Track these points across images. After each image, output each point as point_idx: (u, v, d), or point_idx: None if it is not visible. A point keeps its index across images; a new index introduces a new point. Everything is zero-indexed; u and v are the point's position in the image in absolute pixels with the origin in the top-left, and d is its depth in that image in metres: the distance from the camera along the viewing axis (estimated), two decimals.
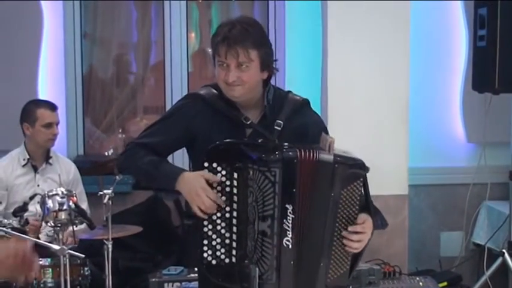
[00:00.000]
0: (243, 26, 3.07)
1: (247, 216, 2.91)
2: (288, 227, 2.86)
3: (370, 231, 3.00)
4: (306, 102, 3.28)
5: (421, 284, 5.08)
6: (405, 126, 5.52)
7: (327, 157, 2.90)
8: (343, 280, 2.99)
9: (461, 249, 6.21)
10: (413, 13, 5.56)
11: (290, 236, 2.87)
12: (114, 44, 6.64)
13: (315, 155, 2.89)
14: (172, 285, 4.99)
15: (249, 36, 3.05)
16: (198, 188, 2.92)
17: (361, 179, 2.94)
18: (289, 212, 2.86)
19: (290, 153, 2.87)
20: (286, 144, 2.95)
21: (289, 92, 3.30)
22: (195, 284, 4.86)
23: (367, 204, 3.02)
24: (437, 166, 6.11)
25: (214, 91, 3.20)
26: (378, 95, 5.48)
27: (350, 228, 2.93)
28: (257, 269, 2.88)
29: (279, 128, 3.12)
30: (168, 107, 6.31)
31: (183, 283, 4.97)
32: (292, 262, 2.89)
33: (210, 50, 6.55)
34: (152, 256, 5.81)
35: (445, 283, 5.54)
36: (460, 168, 6.22)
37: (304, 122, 3.18)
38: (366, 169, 2.95)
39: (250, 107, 3.19)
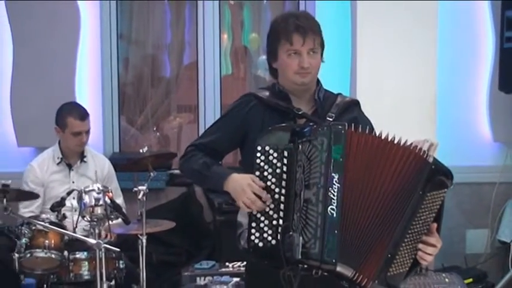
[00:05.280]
0: (305, 16, 3.22)
1: (295, 193, 2.90)
2: (334, 195, 2.82)
3: (439, 247, 2.99)
4: (356, 102, 3.34)
5: (447, 280, 5.07)
6: (433, 125, 5.55)
7: (428, 157, 2.94)
8: (398, 279, 2.94)
9: (486, 246, 6.24)
10: (441, 14, 5.59)
11: (335, 204, 2.82)
12: (149, 44, 6.71)
13: (371, 136, 2.95)
14: (204, 279, 5.05)
15: (315, 23, 3.19)
16: (244, 184, 2.97)
17: (445, 190, 2.96)
18: (335, 181, 2.83)
19: (339, 126, 2.92)
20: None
21: (339, 93, 3.36)
22: (227, 277, 4.97)
23: (438, 223, 3.01)
24: (463, 165, 5.98)
25: (267, 90, 3.30)
26: (406, 94, 5.51)
27: (424, 238, 2.93)
28: (300, 237, 2.83)
29: (331, 120, 3.15)
30: (201, 105, 6.42)
31: (215, 277, 5.03)
32: (336, 231, 2.82)
33: (245, 47, 6.74)
34: (185, 250, 5.91)
35: (470, 280, 5.58)
36: (486, 167, 6.23)
37: (354, 118, 3.20)
38: (452, 184, 2.98)
39: (303, 103, 3.24)
